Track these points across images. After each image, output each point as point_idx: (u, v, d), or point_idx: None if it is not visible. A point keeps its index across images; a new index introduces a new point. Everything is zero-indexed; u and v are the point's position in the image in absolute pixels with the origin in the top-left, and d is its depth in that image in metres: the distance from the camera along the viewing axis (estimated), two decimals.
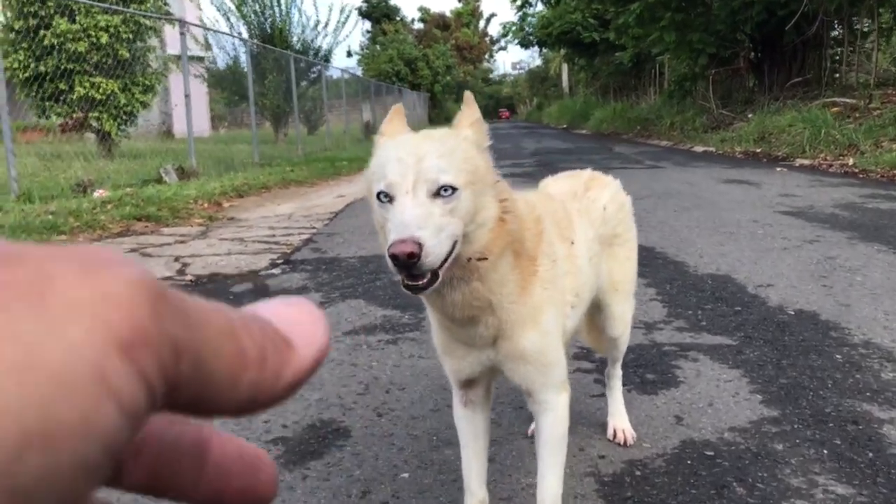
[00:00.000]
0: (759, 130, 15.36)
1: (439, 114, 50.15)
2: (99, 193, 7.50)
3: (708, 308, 3.15)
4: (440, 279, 1.17)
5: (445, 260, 1.15)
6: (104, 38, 12.31)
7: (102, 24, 12.40)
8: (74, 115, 12.86)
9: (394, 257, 1.09)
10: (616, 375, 2.00)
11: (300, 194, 9.08)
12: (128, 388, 0.18)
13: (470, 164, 1.24)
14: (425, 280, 1.15)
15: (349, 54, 51.33)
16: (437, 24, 58.94)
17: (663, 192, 7.65)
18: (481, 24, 65.39)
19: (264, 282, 4.03)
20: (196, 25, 14.36)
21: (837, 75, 17.75)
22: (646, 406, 2.09)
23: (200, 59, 20.50)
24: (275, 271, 4.35)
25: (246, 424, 2.06)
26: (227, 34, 18.32)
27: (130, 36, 12.88)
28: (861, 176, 8.75)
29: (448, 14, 61.51)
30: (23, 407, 0.16)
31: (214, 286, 4.06)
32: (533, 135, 28.31)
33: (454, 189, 1.18)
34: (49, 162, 11.63)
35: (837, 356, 2.46)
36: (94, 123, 12.93)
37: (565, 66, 53.22)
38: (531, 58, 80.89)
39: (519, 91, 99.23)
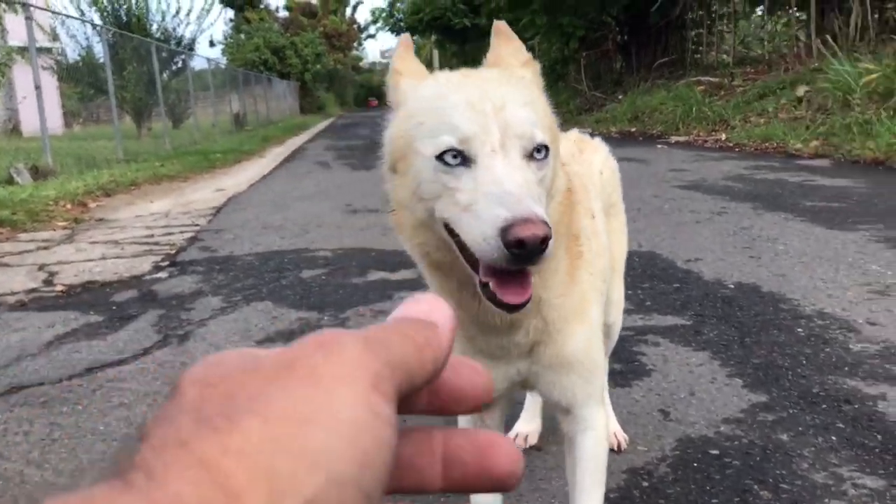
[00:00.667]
0: (631, 110, 15.82)
1: (311, 102, 49.06)
2: None
3: (646, 287, 3.00)
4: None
5: None
6: None
7: None
8: None
9: (519, 243, 0.77)
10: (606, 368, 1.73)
11: (174, 190, 8.40)
12: (386, 410, 0.26)
13: (550, 118, 0.96)
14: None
15: (212, 44, 49.14)
16: (303, 11, 57.38)
17: None
18: (348, 11, 64.33)
19: (150, 287, 3.55)
20: (44, 10, 13.10)
21: (698, 56, 18.57)
22: (624, 401, 1.88)
23: (49, 50, 18.85)
24: (161, 275, 3.86)
25: None
26: (80, 19, 16.89)
27: None
28: (737, 150, 9.07)
29: (314, 2, 60.04)
30: (337, 445, 0.24)
31: (91, 296, 3.53)
32: None
33: (547, 150, 0.89)
34: None
35: (798, 329, 2.35)
36: None
37: (436, 53, 53.32)
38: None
39: None
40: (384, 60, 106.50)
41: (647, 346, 2.27)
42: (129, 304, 3.27)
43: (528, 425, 1.77)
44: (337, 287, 3.29)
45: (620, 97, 18.35)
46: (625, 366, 2.12)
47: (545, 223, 0.78)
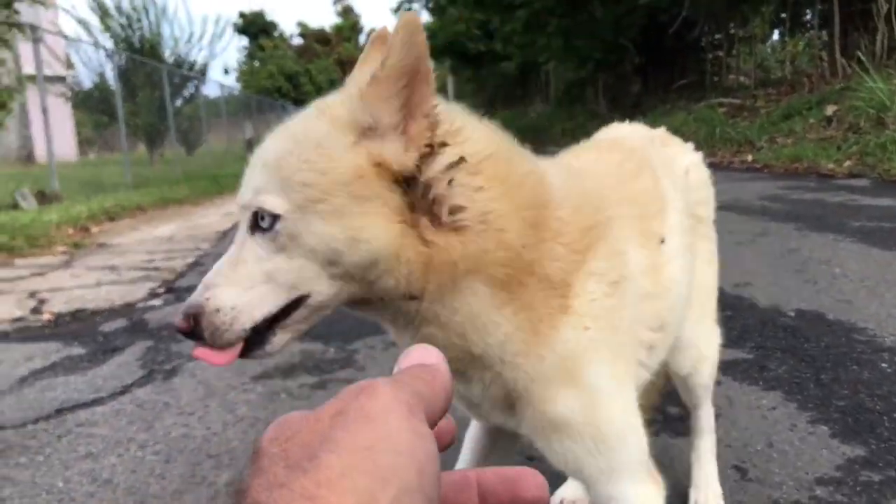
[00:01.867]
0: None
1: None
2: None
3: None
4: (276, 339, 0.78)
5: (276, 318, 0.77)
6: None
7: None
8: None
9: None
10: (702, 430, 1.42)
11: (182, 214, 8.16)
12: (425, 429, 0.33)
13: (314, 172, 0.74)
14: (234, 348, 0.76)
15: (226, 71, 49.51)
16: (316, 39, 57.84)
17: None
18: (361, 38, 64.83)
19: (142, 316, 3.25)
20: (53, 33, 13.03)
21: (717, 78, 18.33)
22: (688, 453, 1.54)
23: (63, 79, 18.88)
24: (155, 302, 3.56)
25: None
26: (90, 42, 16.87)
27: None
28: (765, 171, 8.74)
29: (328, 29, 60.52)
30: (399, 462, 0.31)
31: (78, 325, 3.24)
32: None
33: (274, 217, 0.74)
34: None
35: (883, 364, 2.00)
36: None
37: (450, 78, 53.48)
38: None
39: None
40: None
41: None
42: (116, 335, 2.97)
43: (574, 491, 1.43)
44: (343, 315, 2.97)
45: (639, 119, 18.07)
46: (683, 410, 1.78)
47: (184, 317, 0.75)
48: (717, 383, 1.92)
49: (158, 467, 1.66)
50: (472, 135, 0.81)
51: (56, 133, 9.30)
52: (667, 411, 1.79)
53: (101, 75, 19.52)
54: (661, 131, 1.36)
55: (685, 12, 15.02)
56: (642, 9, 16.24)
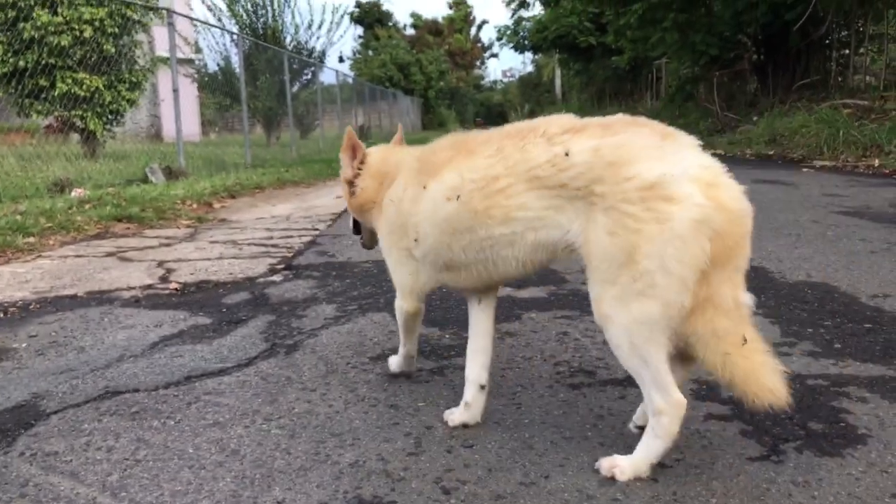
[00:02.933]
0: (769, 133, 14.84)
1: (432, 119, 49.63)
2: (77, 193, 6.80)
3: (828, 325, 2.50)
4: None
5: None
6: (88, 32, 11.59)
7: (87, 16, 11.68)
8: (58, 115, 12.13)
9: None
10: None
11: (297, 195, 8.40)
12: None
13: None
14: None
15: (341, 59, 50.59)
16: (429, 29, 58.34)
17: None
18: (472, 30, 64.88)
19: (263, 291, 3.34)
20: (185, 16, 13.66)
21: (840, 78, 17.27)
22: (840, 478, 1.43)
23: (190, 61, 19.82)
24: (275, 278, 3.67)
25: None
26: (218, 27, 17.60)
27: (116, 30, 12.16)
28: (895, 177, 8.16)
29: (440, 20, 60.92)
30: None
31: (203, 295, 3.37)
32: None
33: None
34: (28, 162, 10.91)
35: None
36: (78, 122, 12.20)
37: (558, 72, 52.76)
38: (522, 64, 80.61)
39: (510, 98, 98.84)
40: (505, 80, 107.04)
41: (852, 402, 1.79)
42: (239, 308, 3.07)
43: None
44: (460, 302, 2.95)
45: (755, 119, 17.33)
46: (827, 426, 1.66)
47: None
48: (862, 400, 1.78)
49: (284, 442, 1.69)
50: (368, 159, 1.99)
51: (183, 113, 9.73)
52: (808, 426, 1.67)
53: (227, 59, 20.38)
54: (586, 120, 1.56)
55: (812, 8, 14.23)
56: (765, 4, 15.47)
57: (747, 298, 1.44)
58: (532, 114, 62.30)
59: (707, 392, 1.91)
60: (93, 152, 12.18)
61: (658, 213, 1.34)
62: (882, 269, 3.34)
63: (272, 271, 3.86)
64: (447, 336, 2.52)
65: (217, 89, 21.22)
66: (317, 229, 5.42)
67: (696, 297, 1.37)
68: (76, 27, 11.62)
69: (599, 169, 1.41)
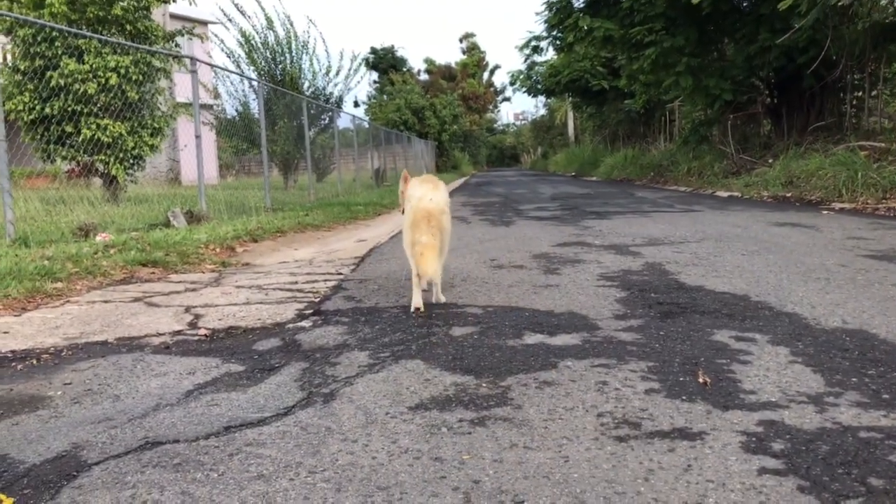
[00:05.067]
0: (785, 174, 14.84)
1: (446, 161, 50.00)
2: (102, 237, 6.86)
3: (873, 374, 2.46)
4: None
5: None
6: (113, 79, 11.84)
7: (112, 64, 11.95)
8: (80, 160, 12.33)
9: None
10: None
11: (318, 238, 8.44)
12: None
13: None
14: None
15: (356, 104, 51.29)
16: (442, 74, 59.13)
17: (717, 235, 6.99)
18: (485, 74, 65.67)
19: (294, 337, 3.34)
20: (208, 63, 13.93)
21: (856, 120, 17.30)
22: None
23: (210, 107, 20.16)
24: (304, 324, 3.66)
25: None
26: (238, 73, 17.93)
27: (140, 77, 12.42)
28: None
29: (454, 65, 61.76)
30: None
31: (233, 342, 3.37)
32: (544, 181, 27.86)
33: None
34: (52, 206, 11.05)
35: None
36: (101, 167, 12.39)
37: (571, 115, 53.20)
38: (535, 108, 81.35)
39: (522, 141, 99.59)
40: (518, 123, 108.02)
41: None
42: (271, 354, 3.06)
43: None
44: (492, 349, 2.94)
45: (770, 161, 17.36)
46: (888, 482, 1.62)
47: None
48: None
49: (331, 496, 1.66)
50: (408, 187, 4.07)
51: (203, 161, 9.83)
52: (868, 482, 1.63)
53: (245, 105, 20.72)
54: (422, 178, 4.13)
55: (826, 51, 14.33)
56: (777, 48, 15.61)
57: (426, 238, 3.63)
58: (545, 156, 62.61)
59: (757, 444, 1.87)
60: (114, 196, 12.34)
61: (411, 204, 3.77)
62: None
63: (301, 316, 3.86)
64: (484, 385, 2.49)
65: (235, 134, 21.52)
66: (341, 273, 5.43)
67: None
68: (101, 75, 11.87)
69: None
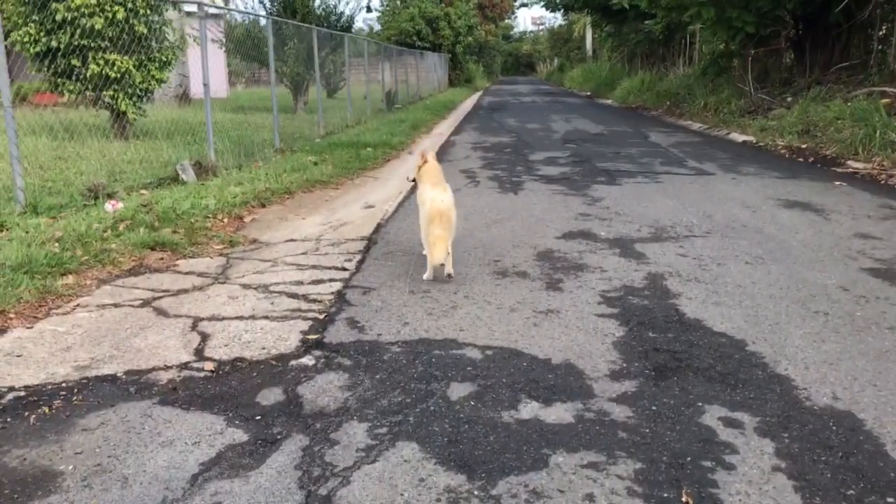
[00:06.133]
0: (802, 122, 14.57)
1: (459, 75, 48.98)
2: (111, 206, 6.90)
3: (852, 494, 2.54)
4: None
5: None
6: (120, 14, 11.59)
7: None
8: (88, 95, 12.23)
9: None
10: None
11: (325, 201, 8.46)
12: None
13: None
14: None
15: (369, 9, 49.84)
16: None
17: (725, 222, 6.98)
18: None
19: (296, 389, 3.44)
20: (216, 7, 13.54)
21: (882, 65, 16.78)
22: None
23: (218, 17, 19.66)
24: (307, 361, 3.76)
25: None
26: (248, 13, 17.45)
27: (147, 11, 12.14)
28: None
29: None
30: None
31: (237, 384, 3.49)
32: (558, 106, 27.38)
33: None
34: (60, 143, 11.03)
35: None
36: (109, 101, 12.29)
37: (589, 30, 51.66)
38: (554, 17, 78.83)
39: (539, 49, 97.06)
40: (536, 27, 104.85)
41: None
42: (274, 414, 3.17)
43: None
44: (487, 427, 3.04)
45: (789, 99, 16.97)
46: None
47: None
48: None
49: None
50: (424, 165, 5.49)
51: (210, 71, 9.54)
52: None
53: (255, 21, 20.24)
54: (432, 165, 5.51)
55: None
56: None
57: (439, 231, 4.89)
58: (561, 69, 61.02)
59: None
60: (122, 131, 12.28)
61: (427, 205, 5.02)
62: None
63: (304, 346, 3.96)
64: (476, 492, 2.59)
65: (245, 55, 21.10)
66: (346, 269, 5.49)
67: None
68: (109, 9, 11.61)
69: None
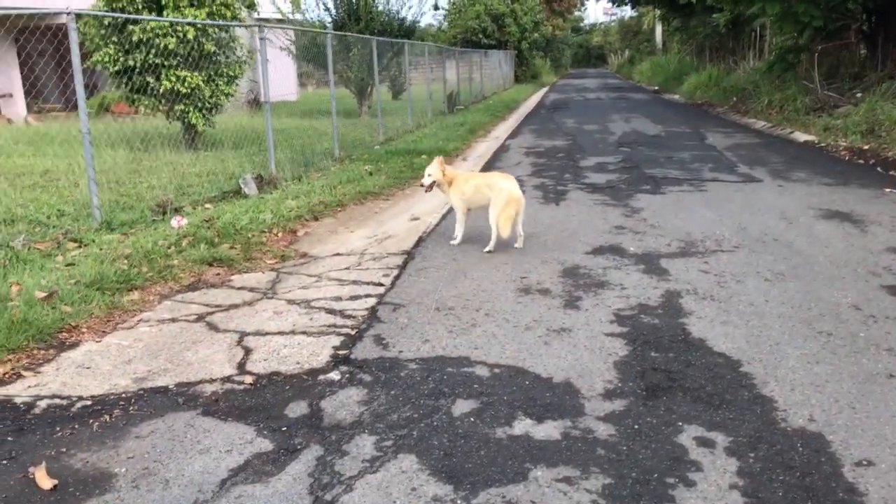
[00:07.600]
0: (868, 120, 14.28)
1: (525, 71, 49.03)
2: (177, 222, 7.54)
3: None
4: None
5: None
6: (191, 33, 12.37)
7: (189, 17, 12.47)
8: (162, 109, 13.16)
9: None
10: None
11: (374, 213, 8.93)
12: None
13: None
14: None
15: (436, 7, 50.35)
16: None
17: (757, 235, 7.11)
18: None
19: (320, 403, 3.89)
20: (277, 27, 14.25)
21: None
22: None
23: (286, 26, 20.43)
24: (334, 376, 4.21)
25: None
26: (306, 30, 18.18)
27: (216, 29, 12.92)
28: None
29: None
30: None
31: (272, 396, 3.96)
32: (622, 105, 27.24)
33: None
34: (136, 156, 11.88)
35: None
36: (181, 113, 13.15)
37: (658, 26, 51.00)
38: (623, 10, 77.67)
39: (610, 41, 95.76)
40: (606, 18, 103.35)
41: None
42: (298, 426, 3.62)
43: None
44: (480, 442, 3.41)
45: (858, 95, 16.56)
46: None
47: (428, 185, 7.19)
48: None
49: None
50: (450, 172, 7.12)
51: (280, 78, 10.23)
52: None
53: (321, 27, 20.98)
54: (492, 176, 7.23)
55: None
56: None
57: (511, 212, 6.62)
58: (631, 61, 60.26)
59: None
60: (192, 141, 13.11)
61: (496, 192, 6.69)
62: (883, 414, 3.57)
63: (334, 361, 4.41)
64: (458, 499, 2.98)
65: (311, 61, 21.89)
66: (382, 284, 5.93)
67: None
68: (180, 29, 12.38)
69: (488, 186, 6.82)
